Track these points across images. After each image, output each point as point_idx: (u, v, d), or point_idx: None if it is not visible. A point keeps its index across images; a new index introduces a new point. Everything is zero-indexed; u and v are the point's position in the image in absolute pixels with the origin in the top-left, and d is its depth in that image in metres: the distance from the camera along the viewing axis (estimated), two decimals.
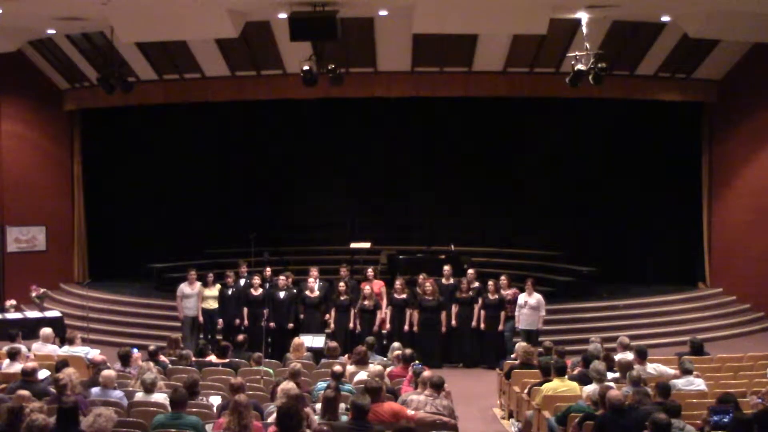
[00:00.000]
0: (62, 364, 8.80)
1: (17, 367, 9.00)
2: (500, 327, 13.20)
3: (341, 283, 13.42)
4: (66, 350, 10.85)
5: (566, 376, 9.04)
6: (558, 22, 13.43)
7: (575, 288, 16.53)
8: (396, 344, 10.66)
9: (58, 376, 7.60)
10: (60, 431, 6.20)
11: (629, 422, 7.09)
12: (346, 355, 10.68)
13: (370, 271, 13.90)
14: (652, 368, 9.52)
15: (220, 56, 15.26)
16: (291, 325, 13.17)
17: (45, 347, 10.98)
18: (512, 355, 11.39)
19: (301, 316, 13.33)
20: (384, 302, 13.42)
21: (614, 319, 15.22)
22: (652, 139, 17.54)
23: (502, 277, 13.59)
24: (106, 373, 8.24)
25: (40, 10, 13.28)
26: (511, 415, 10.38)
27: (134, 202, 18.63)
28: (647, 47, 15.13)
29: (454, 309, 13.36)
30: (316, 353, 11.02)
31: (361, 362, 9.57)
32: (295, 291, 13.48)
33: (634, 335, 12.85)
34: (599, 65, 12.45)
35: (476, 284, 13.48)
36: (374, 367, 8.80)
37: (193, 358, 10.41)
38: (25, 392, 7.24)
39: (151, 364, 8.89)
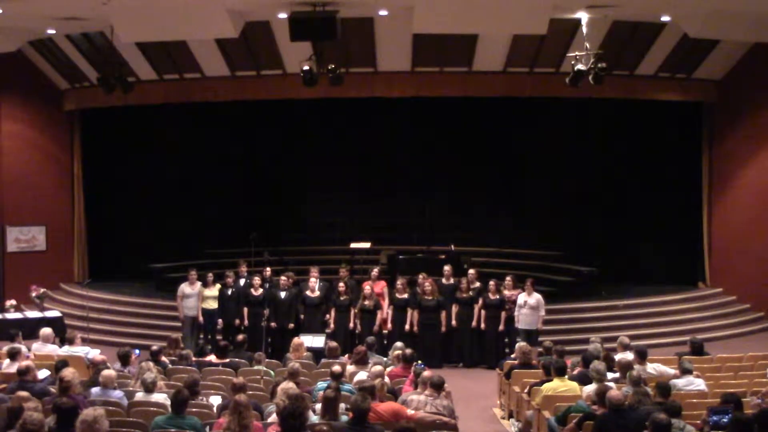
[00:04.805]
0: (62, 364, 8.80)
1: (17, 367, 9.00)
2: (500, 327, 13.22)
3: (341, 284, 13.42)
4: (66, 350, 10.85)
5: (566, 376, 9.05)
6: (558, 22, 13.42)
7: (575, 288, 16.53)
8: (399, 344, 10.65)
9: (63, 375, 7.59)
10: (59, 431, 6.21)
11: (629, 422, 7.10)
12: (346, 355, 10.69)
13: (375, 272, 13.89)
14: (652, 368, 9.52)
15: (220, 56, 15.27)
16: (291, 325, 13.18)
17: (45, 347, 10.99)
18: (512, 355, 11.41)
19: (302, 316, 13.33)
20: (385, 303, 13.43)
21: (614, 319, 15.23)
22: (652, 139, 17.54)
23: (507, 278, 13.57)
24: (106, 373, 8.24)
25: (40, 10, 13.28)
26: (511, 415, 10.39)
27: (134, 201, 18.63)
28: (647, 47, 15.13)
29: (454, 309, 13.36)
30: (316, 353, 11.02)
31: (361, 362, 9.57)
32: (295, 291, 13.49)
33: (634, 335, 12.84)
34: (599, 65, 12.46)
35: (477, 284, 13.49)
36: (374, 367, 8.79)
37: (193, 358, 10.42)
38: (23, 393, 7.24)
39: (151, 363, 8.89)
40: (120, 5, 12.65)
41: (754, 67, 16.09)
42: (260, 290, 13.40)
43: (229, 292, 13.60)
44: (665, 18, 13.97)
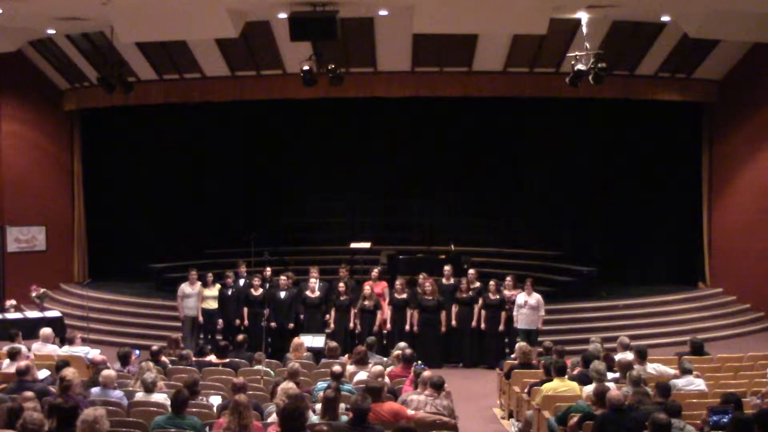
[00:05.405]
0: (62, 364, 8.79)
1: (17, 367, 8.99)
2: (500, 327, 13.22)
3: (341, 284, 13.42)
4: (66, 350, 10.86)
5: (566, 376, 9.05)
6: (558, 22, 13.43)
7: (575, 288, 16.53)
8: (402, 344, 10.63)
9: (65, 375, 7.58)
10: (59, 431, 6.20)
11: (629, 422, 7.10)
12: (346, 355, 10.69)
13: (375, 272, 13.90)
14: (652, 368, 9.52)
15: (220, 56, 15.26)
16: (291, 325, 13.18)
17: (45, 347, 10.98)
18: (512, 355, 11.42)
19: (301, 316, 13.33)
20: (386, 303, 13.42)
21: (614, 319, 15.23)
22: (652, 139, 17.54)
23: (508, 278, 13.59)
24: (106, 373, 8.24)
25: (40, 10, 13.28)
26: (511, 415, 10.39)
27: (134, 202, 18.64)
28: (647, 47, 15.13)
29: (454, 309, 13.36)
30: (316, 353, 11.02)
31: (361, 362, 9.57)
32: (295, 291, 13.49)
33: (634, 335, 12.84)
34: (599, 65, 12.44)
35: (477, 284, 13.49)
36: (374, 367, 8.78)
37: (193, 358, 10.42)
38: (29, 393, 7.25)
39: (151, 364, 8.89)
40: (120, 5, 12.65)
41: (754, 67, 16.09)
42: (260, 290, 13.40)
43: (229, 292, 13.61)
44: (665, 18, 13.97)
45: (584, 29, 13.19)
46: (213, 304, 13.61)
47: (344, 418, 6.90)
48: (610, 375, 8.99)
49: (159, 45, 14.97)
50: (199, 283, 13.71)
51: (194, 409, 7.58)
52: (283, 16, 12.96)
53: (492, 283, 13.37)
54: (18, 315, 13.90)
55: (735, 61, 16.33)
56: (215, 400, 8.33)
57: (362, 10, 13.35)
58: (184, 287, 13.72)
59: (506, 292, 13.29)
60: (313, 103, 16.45)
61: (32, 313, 14.04)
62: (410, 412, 7.54)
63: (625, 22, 14.16)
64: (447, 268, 13.95)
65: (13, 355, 9.45)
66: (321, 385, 8.48)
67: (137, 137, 18.46)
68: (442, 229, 18.52)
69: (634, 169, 17.80)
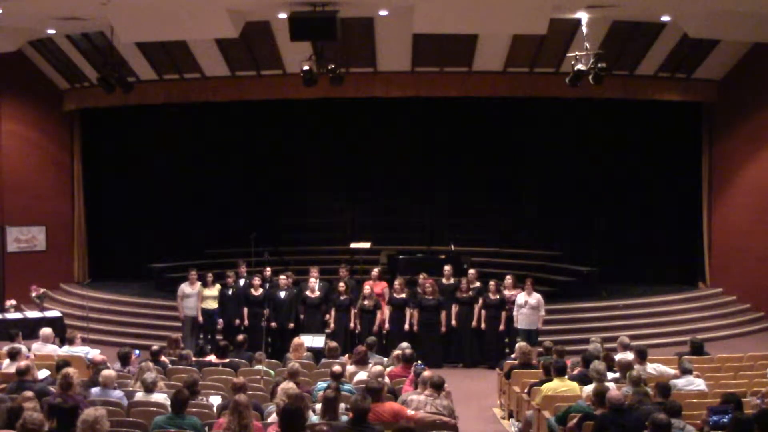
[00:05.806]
0: (62, 364, 8.79)
1: (16, 367, 8.99)
2: (501, 327, 13.22)
3: (341, 284, 13.42)
4: (66, 350, 10.86)
5: (566, 376, 9.05)
6: (558, 22, 13.43)
7: (575, 288, 16.53)
8: (404, 344, 10.61)
9: (67, 372, 7.57)
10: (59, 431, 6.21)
11: (629, 422, 7.10)
12: (346, 355, 10.69)
13: (375, 272, 13.89)
14: (652, 368, 9.53)
15: (220, 56, 15.27)
16: (291, 325, 13.19)
17: (45, 347, 10.98)
18: (512, 355, 11.42)
19: (302, 316, 13.33)
20: (385, 303, 13.42)
21: (614, 319, 15.23)
22: (652, 139, 17.55)
23: (507, 277, 13.59)
24: (106, 373, 8.25)
25: (40, 10, 13.29)
26: (511, 415, 10.39)
27: (134, 201, 18.63)
28: (647, 47, 15.13)
29: (454, 309, 13.36)
30: (316, 353, 11.02)
31: (361, 362, 9.58)
32: (295, 291, 13.49)
33: (634, 335, 12.84)
34: (599, 65, 12.45)
35: (477, 284, 13.49)
36: (374, 367, 8.78)
37: (193, 358, 10.42)
38: (29, 393, 7.25)
39: (151, 364, 8.89)
40: (120, 5, 12.65)
41: (754, 67, 16.10)
42: (260, 290, 13.40)
43: (230, 292, 13.61)
44: (665, 18, 13.97)
45: (584, 29, 13.19)
46: (213, 304, 13.60)
47: (344, 418, 6.90)
48: (610, 375, 9.00)
49: (159, 45, 14.98)
50: (199, 283, 13.70)
51: (194, 409, 7.58)
52: (283, 16, 12.96)
53: (492, 283, 13.37)
54: (18, 315, 13.91)
55: (735, 61, 16.33)
56: (215, 400, 8.33)
57: (362, 10, 13.35)
58: (184, 287, 13.72)
59: (506, 292, 13.29)
60: (313, 103, 16.45)
61: (32, 313, 14.05)
62: (410, 412, 7.54)
63: (625, 22, 14.16)
64: (447, 268, 13.94)
65: (13, 355, 9.44)
66: (321, 385, 8.48)
67: (137, 137, 18.47)
68: (442, 229, 18.52)
69: (634, 169, 17.79)
